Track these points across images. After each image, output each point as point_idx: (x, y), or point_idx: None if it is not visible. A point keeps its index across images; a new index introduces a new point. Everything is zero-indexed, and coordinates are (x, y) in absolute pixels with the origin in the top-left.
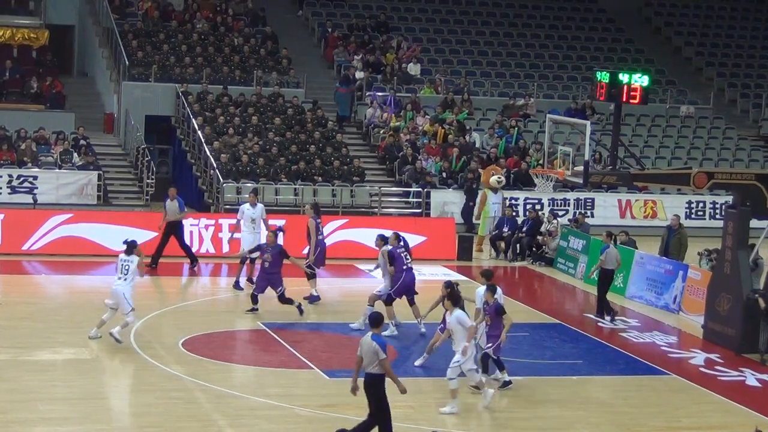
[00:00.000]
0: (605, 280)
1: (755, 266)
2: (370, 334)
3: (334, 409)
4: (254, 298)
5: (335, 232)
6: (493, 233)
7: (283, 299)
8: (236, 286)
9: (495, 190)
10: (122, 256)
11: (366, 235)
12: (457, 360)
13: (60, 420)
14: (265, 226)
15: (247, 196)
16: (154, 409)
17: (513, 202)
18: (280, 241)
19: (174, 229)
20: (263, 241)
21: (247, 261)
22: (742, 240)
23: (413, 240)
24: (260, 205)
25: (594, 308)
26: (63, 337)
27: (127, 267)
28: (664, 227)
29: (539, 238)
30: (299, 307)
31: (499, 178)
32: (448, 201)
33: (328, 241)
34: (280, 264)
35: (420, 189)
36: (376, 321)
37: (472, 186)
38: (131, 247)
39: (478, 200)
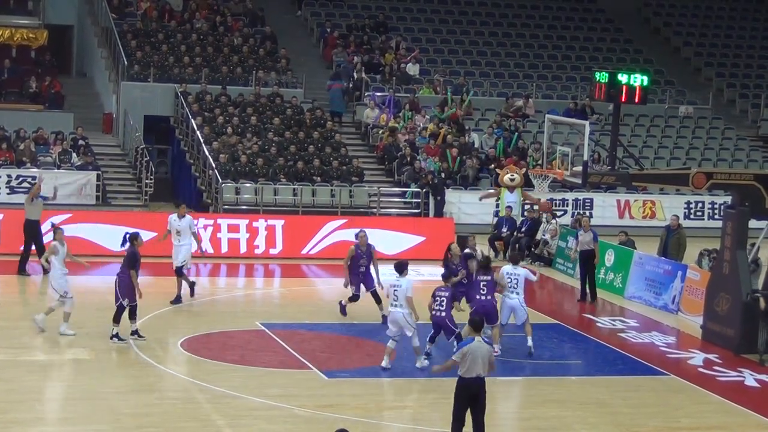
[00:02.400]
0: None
1: (756, 266)
2: (479, 338)
3: (332, 410)
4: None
5: (334, 232)
6: (492, 233)
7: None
8: (176, 301)
9: (511, 189)
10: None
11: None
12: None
13: (59, 420)
14: (194, 238)
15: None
16: (153, 410)
17: (512, 201)
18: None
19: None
20: (185, 254)
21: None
22: (740, 240)
23: (411, 240)
24: (188, 217)
25: (592, 308)
26: (62, 337)
27: None
28: (662, 227)
29: (545, 238)
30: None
31: (512, 176)
32: (447, 201)
33: (328, 241)
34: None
35: (419, 189)
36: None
37: (434, 183)
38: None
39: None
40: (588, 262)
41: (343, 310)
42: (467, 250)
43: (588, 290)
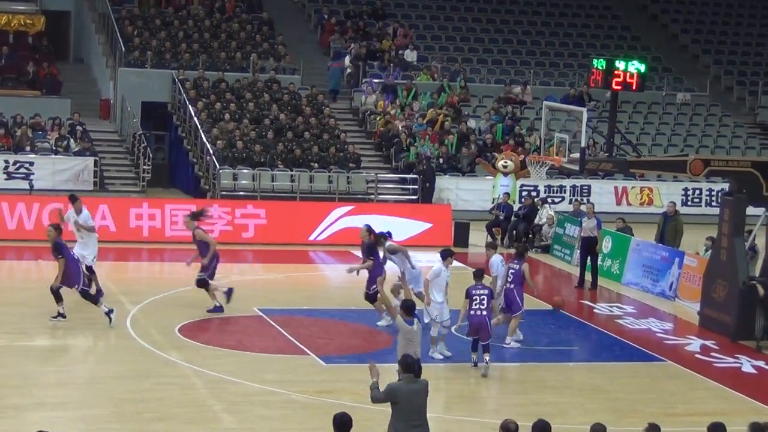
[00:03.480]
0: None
1: (753, 253)
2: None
3: (330, 395)
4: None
5: (339, 220)
6: (490, 219)
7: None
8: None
9: (505, 174)
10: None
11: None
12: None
13: (56, 405)
14: (84, 232)
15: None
16: (151, 395)
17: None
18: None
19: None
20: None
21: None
22: (738, 227)
23: (411, 226)
24: (86, 213)
25: (590, 294)
26: (59, 322)
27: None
28: (660, 214)
29: (543, 225)
30: None
31: (505, 162)
32: (444, 187)
33: (335, 228)
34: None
35: (417, 176)
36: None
37: (423, 169)
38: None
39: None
40: (590, 248)
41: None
42: (389, 245)
43: (589, 277)
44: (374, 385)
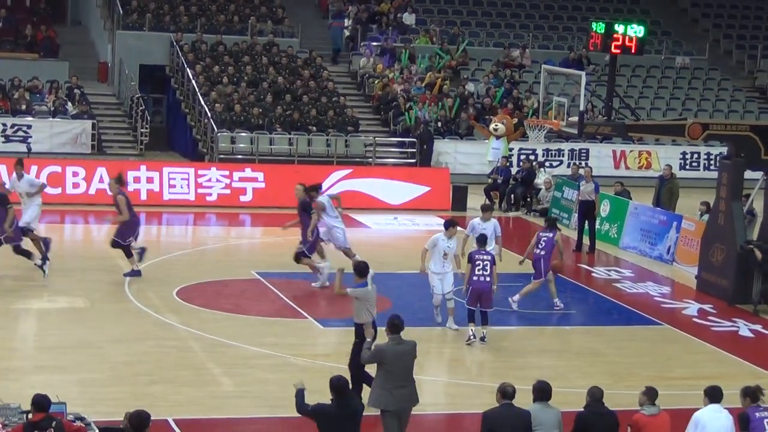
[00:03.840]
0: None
1: (752, 217)
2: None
3: (327, 359)
4: None
5: (337, 183)
6: (488, 183)
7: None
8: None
9: (497, 137)
10: None
11: (366, 186)
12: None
13: (54, 368)
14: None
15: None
16: (148, 358)
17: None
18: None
19: None
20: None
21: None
22: (736, 191)
23: (409, 190)
24: (27, 178)
25: (587, 258)
26: (57, 285)
27: None
28: (657, 178)
29: (541, 189)
30: None
31: (495, 125)
32: (443, 151)
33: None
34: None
35: (415, 139)
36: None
37: (419, 133)
38: None
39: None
40: (588, 212)
41: None
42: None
43: (587, 241)
44: (368, 345)
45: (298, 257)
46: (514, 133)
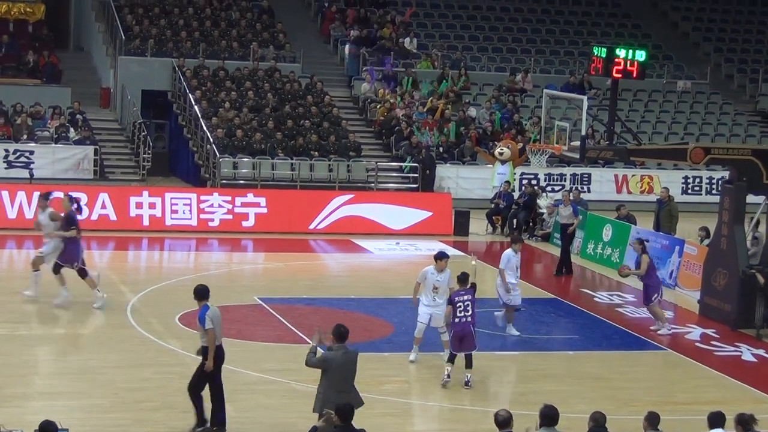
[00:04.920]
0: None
1: (758, 241)
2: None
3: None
4: None
5: (339, 208)
6: (490, 208)
7: None
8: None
9: (502, 162)
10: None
11: (367, 210)
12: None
13: (57, 394)
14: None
15: None
16: (151, 384)
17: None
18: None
19: None
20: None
21: None
22: (738, 215)
23: (411, 215)
24: (48, 211)
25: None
26: (59, 311)
27: None
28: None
29: (542, 213)
30: None
31: (501, 150)
32: (445, 176)
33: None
34: None
35: (417, 164)
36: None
37: (422, 158)
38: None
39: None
40: (566, 235)
41: None
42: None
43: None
44: (313, 349)
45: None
46: (519, 158)
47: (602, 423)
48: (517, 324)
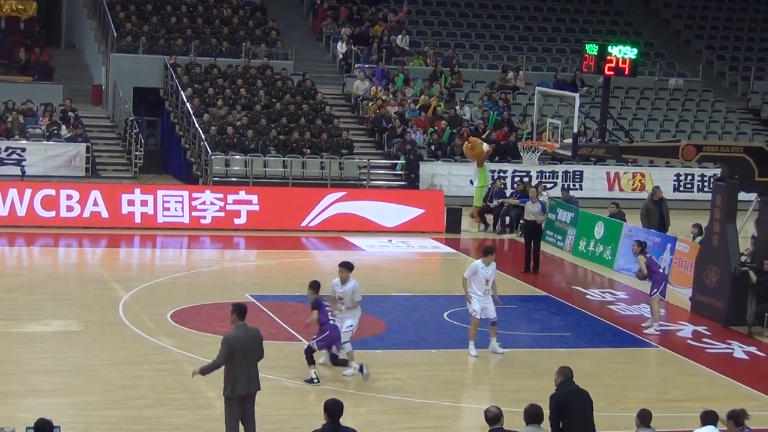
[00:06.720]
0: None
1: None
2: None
3: (322, 381)
4: None
5: (331, 206)
6: (483, 205)
7: None
8: None
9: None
10: None
11: (360, 208)
12: (350, 325)
13: (50, 392)
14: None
15: None
16: (143, 381)
17: (501, 174)
18: None
19: None
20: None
21: None
22: (730, 213)
23: (403, 212)
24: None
25: (582, 281)
26: (52, 309)
27: None
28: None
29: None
30: None
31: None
32: (436, 173)
33: (324, 215)
34: None
35: (404, 161)
36: None
37: (409, 157)
38: None
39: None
40: (534, 232)
41: None
42: None
43: (532, 261)
44: (202, 368)
45: None
46: (482, 155)
47: (570, 376)
48: (509, 320)
